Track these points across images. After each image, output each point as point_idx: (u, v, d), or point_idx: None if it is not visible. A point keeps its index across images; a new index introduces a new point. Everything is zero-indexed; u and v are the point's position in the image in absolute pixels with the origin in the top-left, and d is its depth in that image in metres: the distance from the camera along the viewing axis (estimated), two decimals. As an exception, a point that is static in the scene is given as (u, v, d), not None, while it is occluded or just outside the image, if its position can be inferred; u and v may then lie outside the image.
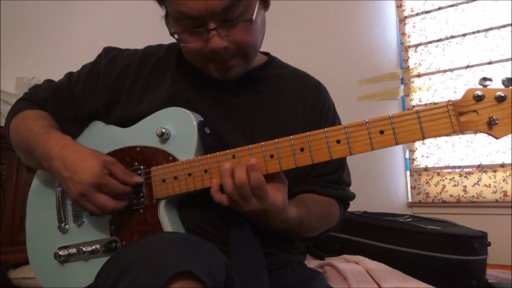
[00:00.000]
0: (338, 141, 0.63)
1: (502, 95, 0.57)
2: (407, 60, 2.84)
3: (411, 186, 2.71)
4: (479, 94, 0.58)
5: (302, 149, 0.65)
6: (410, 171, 2.73)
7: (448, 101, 0.60)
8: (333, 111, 0.92)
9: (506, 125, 0.57)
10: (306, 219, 0.76)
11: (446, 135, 0.60)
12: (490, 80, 0.58)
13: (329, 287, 0.80)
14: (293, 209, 0.72)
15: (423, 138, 0.60)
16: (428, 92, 2.72)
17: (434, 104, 2.21)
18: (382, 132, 0.62)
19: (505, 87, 0.57)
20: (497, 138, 0.58)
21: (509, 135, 0.57)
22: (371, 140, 0.62)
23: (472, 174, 2.51)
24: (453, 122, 0.59)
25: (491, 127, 0.58)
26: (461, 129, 0.59)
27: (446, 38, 2.70)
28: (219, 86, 0.85)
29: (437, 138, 2.64)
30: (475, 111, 0.59)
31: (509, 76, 0.57)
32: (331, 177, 0.87)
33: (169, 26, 0.79)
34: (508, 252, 2.07)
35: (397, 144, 0.61)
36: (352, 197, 0.91)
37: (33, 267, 0.89)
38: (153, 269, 0.52)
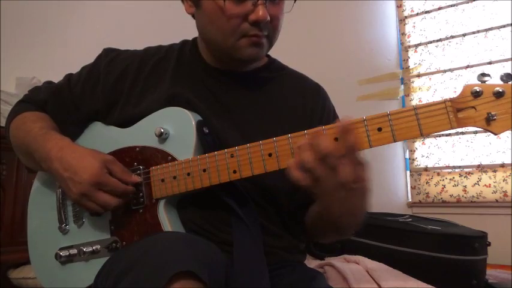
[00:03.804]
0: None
1: (500, 90, 0.56)
2: (407, 60, 2.84)
3: (411, 186, 2.70)
4: (477, 90, 0.58)
5: (300, 147, 0.65)
6: (410, 171, 2.73)
7: None
8: (333, 113, 0.92)
9: (505, 121, 0.56)
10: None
11: (445, 131, 0.59)
12: (489, 75, 0.57)
13: (329, 287, 0.80)
14: None
15: (421, 135, 0.60)
16: (428, 92, 2.72)
17: (434, 104, 2.21)
18: (380, 129, 0.61)
19: (504, 82, 0.57)
20: (495, 134, 0.58)
21: (509, 131, 0.57)
22: (369, 138, 0.62)
23: (472, 174, 2.50)
24: (451, 119, 0.58)
25: (489, 123, 0.57)
26: (459, 125, 0.59)
27: (446, 38, 2.70)
28: (218, 87, 0.86)
29: (437, 138, 2.63)
30: (473, 107, 0.58)
31: (508, 72, 0.57)
32: None
33: None
34: (508, 252, 2.07)
35: (395, 141, 0.61)
36: None
37: (35, 268, 0.90)
38: (153, 269, 0.52)
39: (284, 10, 0.81)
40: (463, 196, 2.50)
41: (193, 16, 0.85)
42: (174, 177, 0.74)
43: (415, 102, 2.75)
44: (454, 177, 2.56)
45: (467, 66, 2.59)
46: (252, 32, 0.76)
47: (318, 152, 0.58)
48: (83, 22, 2.42)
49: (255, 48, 0.79)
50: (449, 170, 2.58)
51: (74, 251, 0.82)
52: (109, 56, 0.91)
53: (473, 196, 2.47)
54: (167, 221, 0.74)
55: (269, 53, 0.95)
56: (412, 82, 2.79)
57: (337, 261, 1.24)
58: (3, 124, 0.98)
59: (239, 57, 0.80)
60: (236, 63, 0.85)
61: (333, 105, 0.94)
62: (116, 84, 0.87)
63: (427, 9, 2.80)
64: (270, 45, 0.83)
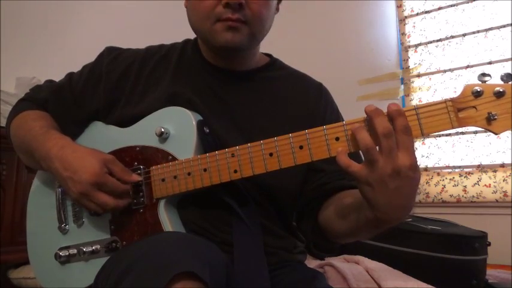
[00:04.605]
0: (337, 139, 0.63)
1: (501, 90, 0.57)
2: (407, 60, 2.84)
3: (411, 186, 2.70)
4: (478, 90, 0.58)
5: (301, 147, 0.65)
6: (410, 172, 2.73)
7: None
8: (336, 111, 0.92)
9: (506, 120, 0.57)
10: None
11: (445, 131, 0.59)
12: (489, 75, 0.58)
13: (329, 287, 0.80)
14: None
15: (422, 134, 0.60)
16: (428, 92, 2.72)
17: (434, 104, 2.21)
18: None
19: (504, 82, 0.57)
20: (496, 133, 0.58)
21: (509, 132, 0.57)
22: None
23: (472, 174, 2.50)
24: (452, 118, 0.59)
25: (490, 122, 0.58)
26: (460, 125, 0.59)
27: (446, 38, 2.70)
28: (218, 86, 0.86)
29: (437, 138, 2.63)
30: (473, 107, 0.59)
31: (509, 72, 0.57)
32: None
33: None
34: (508, 252, 2.07)
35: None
36: None
37: (34, 268, 0.89)
38: (154, 269, 0.52)
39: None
40: (463, 196, 2.51)
41: None
42: (175, 177, 0.74)
43: (415, 102, 2.75)
44: (454, 177, 2.56)
45: (467, 66, 2.59)
46: (224, 15, 0.75)
47: (379, 131, 0.56)
48: (83, 22, 2.42)
49: (231, 33, 0.77)
50: (449, 170, 2.58)
51: (73, 251, 0.82)
52: (111, 54, 0.90)
53: (473, 196, 2.47)
54: (168, 220, 0.74)
55: (269, 51, 0.95)
56: (412, 82, 2.79)
57: (337, 261, 1.24)
58: (3, 124, 0.97)
59: (215, 44, 0.79)
60: (221, 53, 0.84)
61: (336, 104, 0.94)
62: (118, 83, 0.87)
63: (427, 9, 2.80)
64: (252, 33, 0.79)
